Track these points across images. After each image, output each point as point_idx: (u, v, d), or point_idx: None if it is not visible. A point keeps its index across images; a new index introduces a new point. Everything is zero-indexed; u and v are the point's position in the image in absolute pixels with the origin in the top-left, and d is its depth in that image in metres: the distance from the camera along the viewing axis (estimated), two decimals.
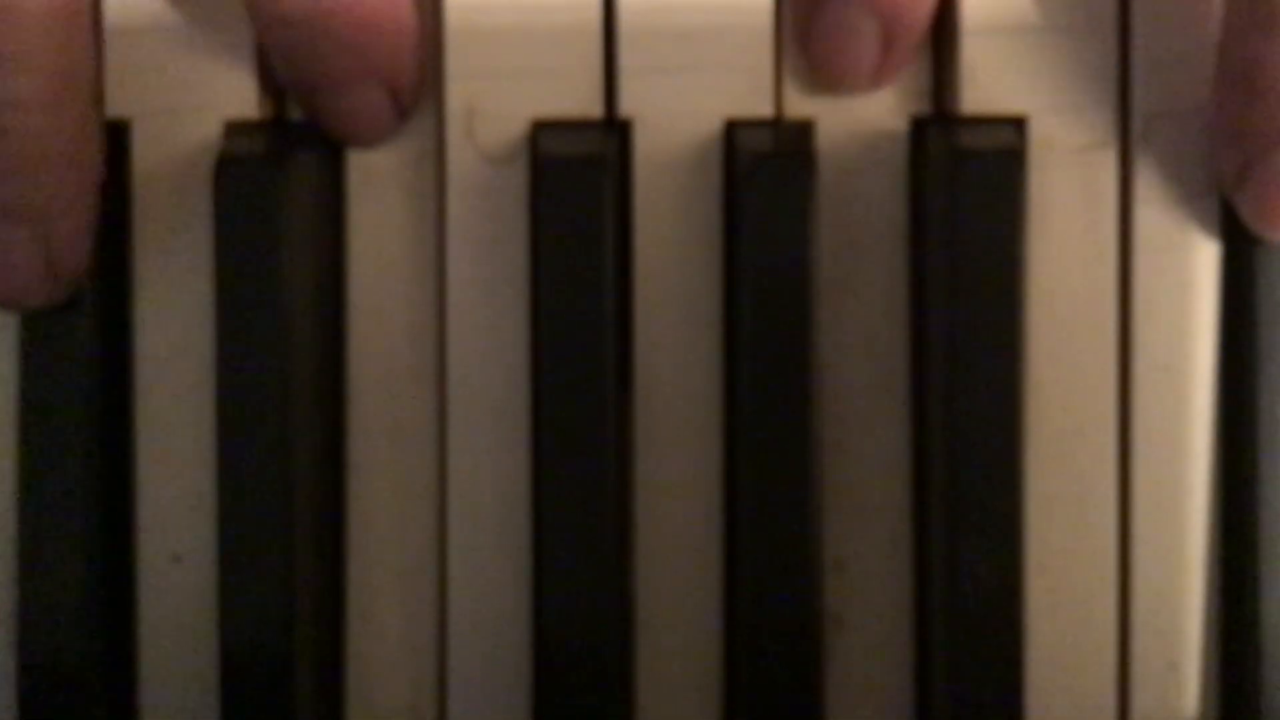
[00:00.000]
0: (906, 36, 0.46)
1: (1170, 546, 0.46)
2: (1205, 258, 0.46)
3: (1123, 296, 0.46)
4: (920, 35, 0.46)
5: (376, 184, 0.47)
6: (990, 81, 0.46)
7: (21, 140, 0.43)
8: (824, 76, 0.46)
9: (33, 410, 0.46)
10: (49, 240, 0.44)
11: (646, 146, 0.46)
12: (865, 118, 0.46)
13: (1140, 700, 0.47)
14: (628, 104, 0.46)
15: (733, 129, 0.46)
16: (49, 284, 0.45)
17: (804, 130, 0.46)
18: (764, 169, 0.45)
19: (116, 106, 0.46)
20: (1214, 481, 0.47)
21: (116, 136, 0.46)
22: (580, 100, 0.46)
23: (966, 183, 0.44)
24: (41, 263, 0.44)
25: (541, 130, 0.46)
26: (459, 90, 0.46)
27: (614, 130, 0.46)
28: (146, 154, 0.46)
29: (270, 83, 0.46)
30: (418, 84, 0.46)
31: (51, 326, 0.46)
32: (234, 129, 0.46)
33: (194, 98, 0.46)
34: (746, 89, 0.46)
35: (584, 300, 0.44)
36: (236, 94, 0.46)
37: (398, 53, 0.45)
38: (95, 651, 0.46)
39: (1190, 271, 0.46)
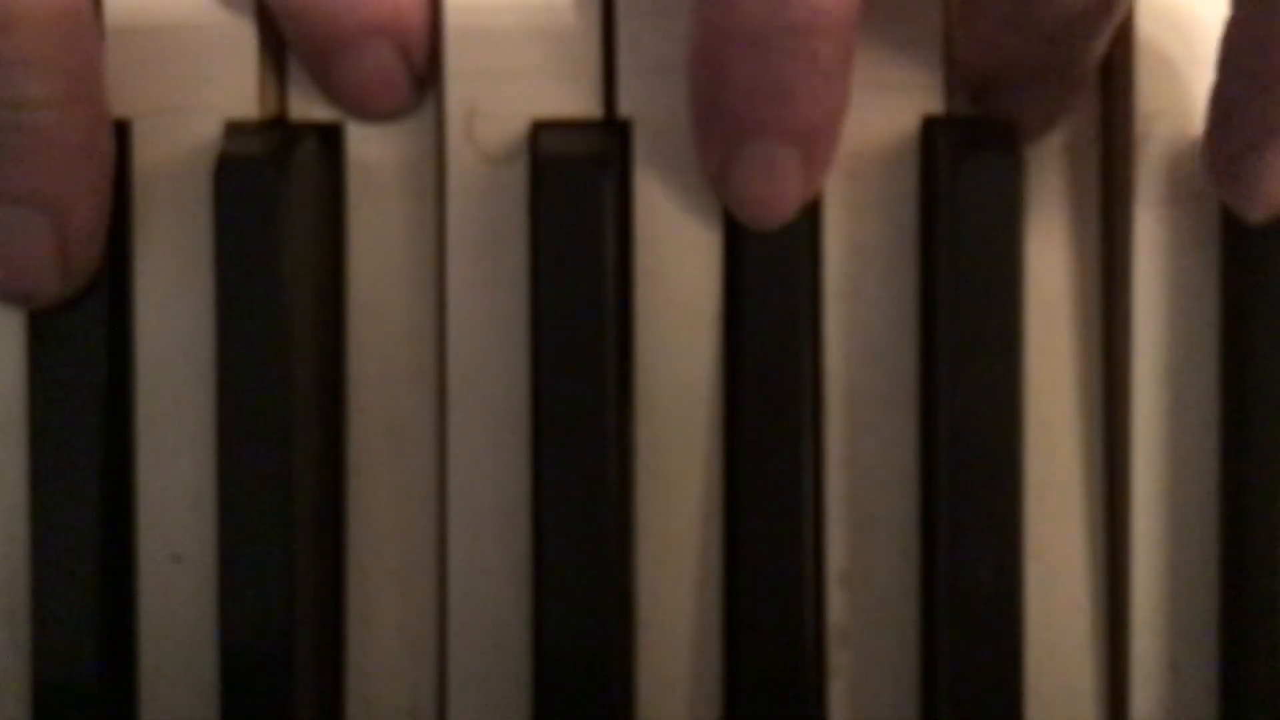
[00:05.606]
0: (826, 155, 0.44)
1: (1170, 546, 0.46)
2: (1205, 258, 0.46)
3: (1123, 296, 0.46)
4: (835, 149, 0.44)
5: (376, 184, 0.47)
6: None
7: (37, 135, 0.43)
8: (749, 215, 0.45)
9: (39, 410, 0.46)
10: (65, 231, 0.44)
11: (646, 146, 0.46)
12: (868, 117, 0.46)
13: (1140, 700, 0.47)
14: (628, 104, 0.46)
15: None
16: (62, 276, 0.45)
17: None
18: None
19: (116, 106, 0.46)
20: (1214, 481, 0.46)
21: (116, 136, 0.46)
22: (580, 100, 0.46)
23: (965, 183, 0.44)
24: (57, 253, 0.45)
25: (541, 130, 0.46)
26: (459, 90, 0.46)
27: (614, 130, 0.46)
28: (146, 154, 0.46)
29: (270, 83, 0.46)
30: (427, 45, 0.46)
31: (57, 326, 0.46)
32: (234, 129, 0.46)
33: (194, 98, 0.46)
34: None
35: (584, 300, 0.44)
36: (236, 94, 0.46)
37: (405, 6, 0.45)
38: (95, 652, 0.46)
39: (1190, 271, 0.46)
